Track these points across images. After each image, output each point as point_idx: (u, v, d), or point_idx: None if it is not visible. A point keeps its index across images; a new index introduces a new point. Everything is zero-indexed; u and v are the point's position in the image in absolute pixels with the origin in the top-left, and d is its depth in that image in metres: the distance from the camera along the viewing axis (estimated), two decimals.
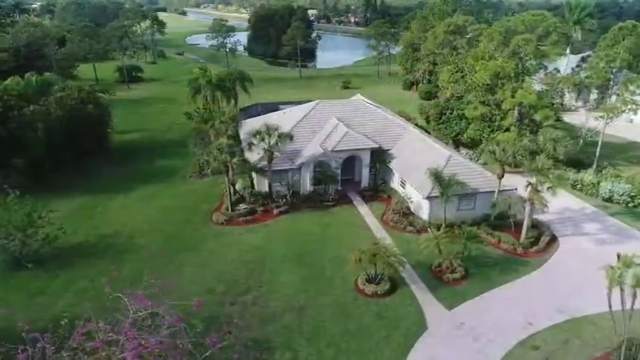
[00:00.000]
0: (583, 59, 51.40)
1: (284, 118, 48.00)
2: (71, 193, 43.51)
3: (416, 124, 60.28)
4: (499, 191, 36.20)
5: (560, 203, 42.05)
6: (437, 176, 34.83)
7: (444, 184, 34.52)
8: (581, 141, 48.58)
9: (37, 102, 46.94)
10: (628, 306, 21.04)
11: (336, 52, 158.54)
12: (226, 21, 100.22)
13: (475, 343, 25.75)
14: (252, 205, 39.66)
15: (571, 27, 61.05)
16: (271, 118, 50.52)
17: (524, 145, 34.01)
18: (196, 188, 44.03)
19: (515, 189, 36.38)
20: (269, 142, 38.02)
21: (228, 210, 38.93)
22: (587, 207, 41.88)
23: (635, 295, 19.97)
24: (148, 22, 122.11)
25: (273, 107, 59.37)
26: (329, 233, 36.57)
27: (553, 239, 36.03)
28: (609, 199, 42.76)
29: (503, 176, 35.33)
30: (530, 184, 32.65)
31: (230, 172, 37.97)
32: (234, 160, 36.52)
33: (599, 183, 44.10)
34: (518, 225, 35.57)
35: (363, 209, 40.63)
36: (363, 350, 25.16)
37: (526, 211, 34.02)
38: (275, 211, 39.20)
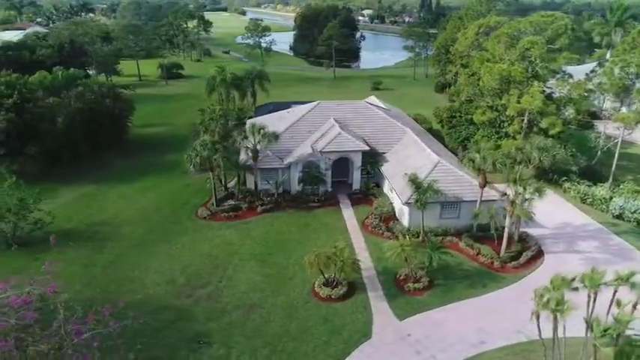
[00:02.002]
0: (600, 64, 47.54)
1: (285, 117, 48.38)
2: (79, 182, 46.32)
3: (429, 128, 58.71)
4: (481, 201, 34.41)
5: (562, 217, 39.52)
6: (414, 181, 33.75)
7: (420, 191, 33.40)
8: (598, 152, 44.99)
9: (59, 95, 50.50)
10: (561, 333, 19.43)
11: (382, 53, 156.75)
12: (261, 20, 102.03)
13: (416, 357, 24.81)
14: (238, 202, 40.33)
15: (612, 29, 56.71)
16: (274, 116, 51.11)
17: (506, 154, 32.06)
18: (192, 183, 45.33)
19: (500, 199, 34.42)
20: (253, 141, 38.48)
21: (213, 205, 39.86)
22: (592, 223, 38.83)
23: (556, 319, 18.36)
24: (194, 22, 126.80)
25: (286, 106, 59.69)
26: (304, 234, 36.48)
27: (539, 255, 33.79)
28: (620, 217, 39.43)
29: (485, 185, 33.56)
30: (504, 194, 30.83)
31: (216, 169, 38.83)
32: (217, 156, 37.25)
33: (611, 198, 40.75)
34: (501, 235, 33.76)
35: (348, 212, 40.11)
36: (298, 353, 24.99)
37: (506, 224, 32.15)
38: (259, 209, 39.63)
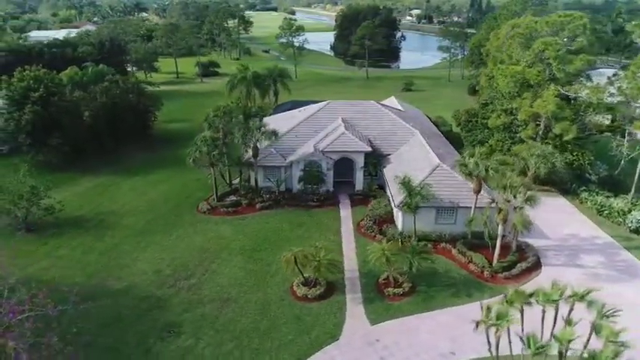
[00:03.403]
0: (624, 67, 44.26)
1: (296, 116, 48.67)
2: (98, 173, 48.72)
3: (448, 131, 57.19)
4: (476, 207, 33.08)
5: (571, 229, 37.44)
6: (405, 185, 33.01)
7: (412, 194, 32.64)
8: (622, 161, 42.06)
9: (87, 90, 53.31)
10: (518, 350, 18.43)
11: (423, 53, 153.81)
12: (295, 20, 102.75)
13: None
14: (239, 198, 41.00)
15: None
16: (287, 115, 51.56)
17: (500, 160, 30.66)
18: (201, 177, 46.33)
19: (489, 206, 32.89)
20: (253, 138, 38.99)
21: (215, 200, 40.75)
22: (603, 237, 36.42)
23: (498, 336, 17.41)
24: (235, 21, 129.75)
25: (305, 105, 59.96)
26: (296, 233, 36.55)
27: (535, 267, 32.12)
28: (636, 231, 36.76)
29: (479, 191, 32.23)
30: (493, 201, 29.53)
31: (217, 164, 39.68)
32: (216, 152, 38.05)
33: (629, 211, 38.08)
34: (505, 245, 32.43)
35: (346, 213, 39.80)
36: (262, 350, 25.16)
37: (499, 232, 30.79)
38: (257, 206, 40.09)
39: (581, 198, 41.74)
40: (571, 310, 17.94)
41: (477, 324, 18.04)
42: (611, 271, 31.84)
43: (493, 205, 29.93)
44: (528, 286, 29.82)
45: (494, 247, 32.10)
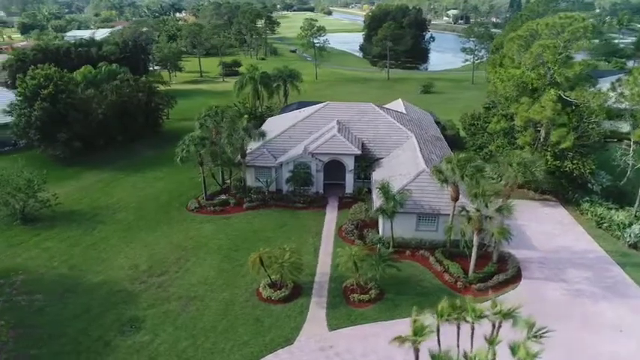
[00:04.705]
0: (629, 72, 41.37)
1: (293, 117, 48.72)
2: (102, 168, 50.40)
3: (454, 135, 55.79)
4: (454, 215, 32.01)
5: (563, 240, 35.74)
6: (382, 189, 32.39)
7: (388, 200, 31.99)
8: (628, 171, 39.64)
9: (98, 88, 55.30)
10: None
11: (454, 55, 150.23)
12: (316, 21, 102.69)
13: None
14: (228, 198, 41.44)
15: None
16: (288, 115, 51.74)
17: (476, 166, 29.47)
18: (196, 176, 47.09)
19: (459, 214, 31.60)
20: (240, 138, 39.28)
21: (204, 199, 41.36)
22: (597, 251, 34.47)
23: (416, 350, 16.78)
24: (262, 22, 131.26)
25: (310, 105, 59.95)
26: (277, 234, 36.51)
27: (514, 280, 30.76)
28: (635, 246, 34.61)
29: (457, 198, 31.14)
30: (463, 209, 28.49)
31: (206, 163, 40.26)
32: (203, 151, 38.60)
33: (630, 225, 35.91)
34: (487, 256, 31.42)
35: (331, 215, 39.48)
36: (215, 349, 25.31)
37: (474, 242, 29.69)
38: (244, 206, 40.39)
39: (582, 209, 39.70)
40: (495, 327, 17.08)
41: (397, 339, 17.44)
42: (595, 287, 30.09)
43: (463, 213, 28.86)
44: (502, 300, 28.97)
45: (480, 256, 31.02)
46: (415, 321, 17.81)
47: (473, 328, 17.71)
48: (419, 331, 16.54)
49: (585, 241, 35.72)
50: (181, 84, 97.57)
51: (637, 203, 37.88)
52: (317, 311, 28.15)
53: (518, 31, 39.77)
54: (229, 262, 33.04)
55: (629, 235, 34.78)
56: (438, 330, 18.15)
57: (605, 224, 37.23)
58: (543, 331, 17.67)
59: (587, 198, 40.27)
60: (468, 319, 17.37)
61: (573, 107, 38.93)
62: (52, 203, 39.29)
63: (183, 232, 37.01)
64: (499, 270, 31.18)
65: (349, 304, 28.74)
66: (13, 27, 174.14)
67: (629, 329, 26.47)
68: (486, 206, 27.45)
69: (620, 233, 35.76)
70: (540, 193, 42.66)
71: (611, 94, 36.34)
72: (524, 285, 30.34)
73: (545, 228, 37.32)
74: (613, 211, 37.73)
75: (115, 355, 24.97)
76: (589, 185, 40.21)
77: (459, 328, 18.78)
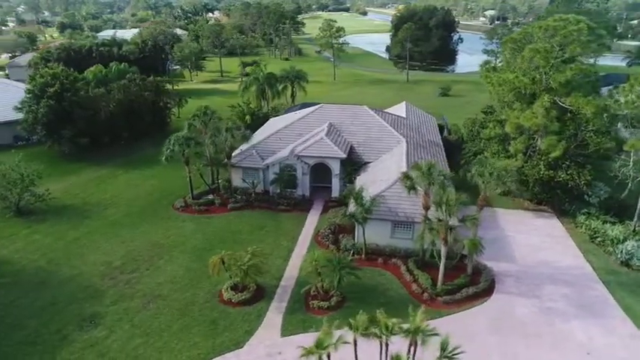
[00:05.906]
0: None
1: (287, 119, 48.65)
2: (102, 165, 51.86)
3: (457, 139, 54.21)
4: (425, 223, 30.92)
5: (549, 254, 34.04)
6: (354, 195, 31.78)
7: (358, 205, 31.35)
8: (629, 184, 37.24)
9: (107, 87, 57.00)
10: None
11: (481, 57, 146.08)
12: (335, 21, 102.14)
13: None
14: (213, 197, 41.76)
15: None
16: (285, 117, 51.72)
17: (447, 174, 28.35)
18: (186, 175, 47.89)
19: (425, 223, 30.43)
20: (224, 139, 39.49)
21: (190, 198, 41.84)
22: (583, 267, 32.55)
23: None
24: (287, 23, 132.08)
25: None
26: (253, 236, 36.44)
27: (485, 294, 29.45)
28: (626, 264, 32.50)
29: (429, 207, 30.09)
30: (427, 218, 27.47)
31: (191, 163, 40.74)
32: (187, 151, 39.04)
33: (624, 240, 33.76)
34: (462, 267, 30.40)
35: (313, 219, 39.09)
36: (165, 349, 25.49)
37: (442, 253, 28.63)
38: (229, 206, 40.58)
39: (577, 221, 37.65)
40: (410, 345, 16.40)
41: (304, 350, 17.01)
42: (571, 306, 28.39)
43: (427, 222, 27.87)
44: (465, 315, 27.92)
45: (447, 267, 29.96)
46: (323, 333, 17.38)
47: (387, 344, 17.11)
48: (320, 345, 16.05)
49: (573, 256, 33.81)
50: (202, 83, 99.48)
51: (635, 217, 35.60)
52: (274, 316, 27.89)
53: (512, 35, 38.09)
54: (200, 262, 33.17)
55: (621, 252, 32.68)
56: (355, 344, 17.67)
57: (598, 238, 35.16)
58: (457, 351, 16.88)
59: (585, 210, 38.16)
60: (381, 334, 16.77)
61: (569, 115, 36.97)
62: (46, 197, 40.77)
63: (164, 231, 37.53)
64: (471, 282, 29.97)
65: (308, 310, 28.32)
66: (54, 27, 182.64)
67: (597, 352, 24.83)
68: (450, 216, 26.38)
69: (612, 249, 33.67)
70: (536, 204, 40.78)
71: (608, 101, 34.18)
72: (494, 300, 29.02)
73: (532, 240, 35.60)
74: (608, 225, 35.58)
75: (68, 349, 25.54)
76: (585, 197, 38.07)
77: (381, 343, 18.21)
